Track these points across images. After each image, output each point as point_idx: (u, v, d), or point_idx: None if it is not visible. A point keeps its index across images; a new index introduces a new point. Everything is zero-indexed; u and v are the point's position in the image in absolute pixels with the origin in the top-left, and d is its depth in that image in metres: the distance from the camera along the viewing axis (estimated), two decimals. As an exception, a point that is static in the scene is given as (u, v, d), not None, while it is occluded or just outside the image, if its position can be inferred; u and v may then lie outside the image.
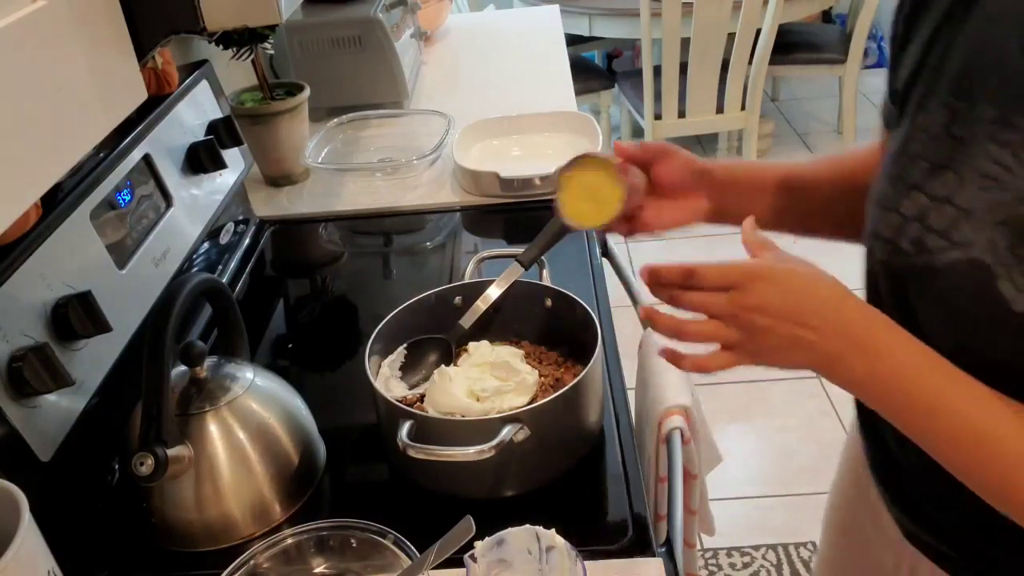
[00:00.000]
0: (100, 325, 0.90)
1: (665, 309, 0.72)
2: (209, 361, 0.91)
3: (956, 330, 0.66)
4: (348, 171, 1.61)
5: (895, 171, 0.72)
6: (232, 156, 1.32)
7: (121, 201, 1.03)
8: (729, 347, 0.68)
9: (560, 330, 1.03)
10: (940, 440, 0.65)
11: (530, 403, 0.92)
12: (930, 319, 0.68)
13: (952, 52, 0.68)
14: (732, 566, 2.04)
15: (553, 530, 0.73)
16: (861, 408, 0.86)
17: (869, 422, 0.84)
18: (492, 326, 1.04)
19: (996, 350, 0.64)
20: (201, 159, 1.22)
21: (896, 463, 0.80)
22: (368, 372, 0.93)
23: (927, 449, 0.66)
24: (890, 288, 0.73)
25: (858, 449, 0.91)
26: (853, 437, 0.96)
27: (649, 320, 0.72)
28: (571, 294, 1.01)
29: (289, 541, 0.82)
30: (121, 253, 1.01)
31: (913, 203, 0.69)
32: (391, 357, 1.01)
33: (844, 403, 2.21)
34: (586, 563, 0.71)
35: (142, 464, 0.80)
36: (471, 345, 1.01)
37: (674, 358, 0.71)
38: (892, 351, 0.65)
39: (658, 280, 0.71)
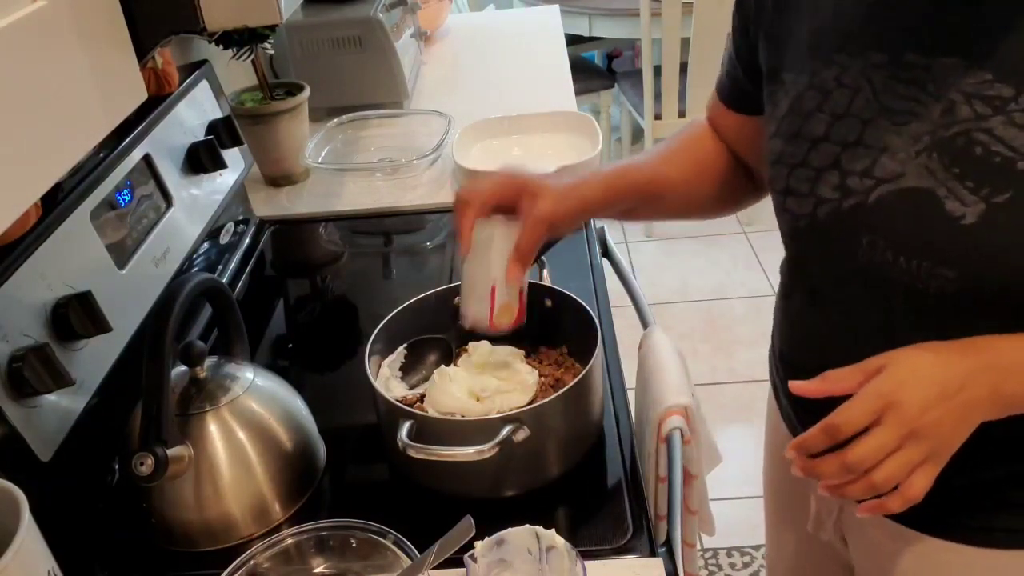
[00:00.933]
0: (100, 325, 0.90)
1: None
2: (209, 361, 0.91)
3: (910, 262, 0.69)
4: (348, 171, 1.61)
5: (791, 130, 0.77)
6: (232, 156, 1.32)
7: (121, 201, 1.03)
8: (921, 463, 0.65)
9: (560, 330, 1.03)
10: None
11: (530, 403, 0.92)
12: (876, 261, 0.71)
13: (818, 14, 0.74)
14: (732, 566, 2.04)
15: (553, 530, 0.73)
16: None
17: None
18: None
19: (952, 270, 0.66)
20: (201, 159, 1.22)
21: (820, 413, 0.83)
22: (368, 372, 0.93)
23: None
24: (823, 243, 0.76)
25: (779, 419, 0.98)
26: (772, 406, 1.03)
27: (829, 490, 0.69)
28: (571, 294, 1.01)
29: (289, 541, 0.82)
30: (121, 253, 1.01)
31: (821, 154, 0.74)
32: (391, 357, 1.01)
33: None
34: (586, 563, 0.71)
35: (142, 464, 0.80)
36: (471, 345, 1.01)
37: (881, 508, 0.68)
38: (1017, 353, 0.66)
39: (809, 453, 0.68)
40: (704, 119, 1.00)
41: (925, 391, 0.64)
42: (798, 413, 0.93)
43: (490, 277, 0.86)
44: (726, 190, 0.98)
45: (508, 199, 0.85)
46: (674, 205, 0.96)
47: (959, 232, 0.65)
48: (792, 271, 0.87)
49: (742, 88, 0.90)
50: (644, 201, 0.92)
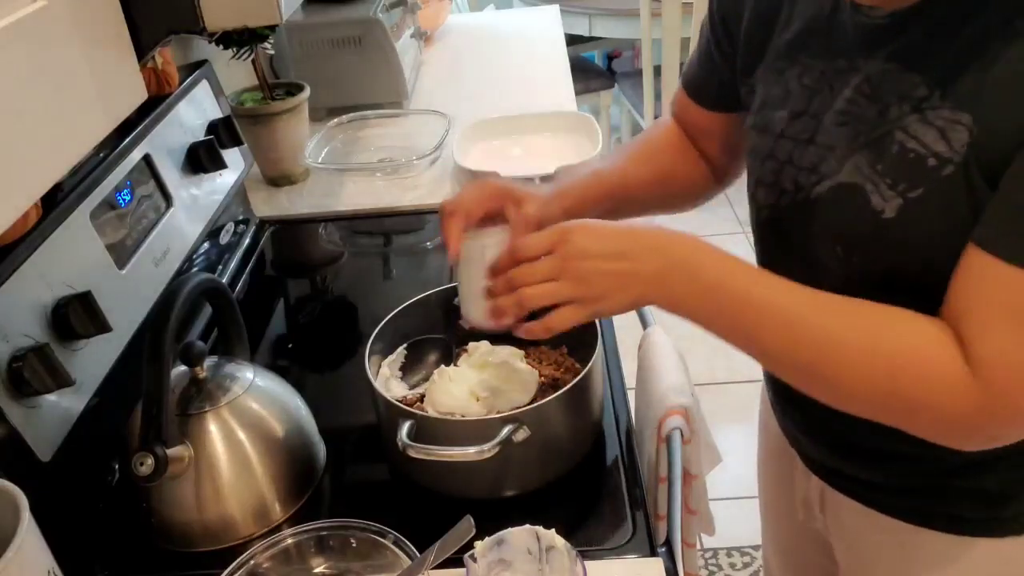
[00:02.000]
0: (100, 325, 0.90)
1: None
2: (209, 361, 0.91)
3: (845, 252, 0.73)
4: (348, 171, 1.61)
5: (760, 122, 0.82)
6: (232, 156, 1.32)
7: (121, 201, 1.03)
8: (568, 302, 0.73)
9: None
10: (754, 333, 0.71)
11: (530, 403, 0.92)
12: (818, 250, 0.76)
13: (791, 21, 0.79)
14: (732, 566, 2.04)
15: (553, 530, 0.73)
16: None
17: (777, 383, 0.92)
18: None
19: (878, 261, 0.71)
20: (201, 159, 1.22)
21: (793, 400, 0.88)
22: (368, 372, 0.93)
23: (744, 346, 0.72)
24: (780, 231, 0.81)
25: (769, 411, 1.01)
26: (764, 399, 1.07)
27: (493, 309, 0.77)
28: (571, 294, 1.01)
29: (289, 541, 0.82)
30: (121, 253, 1.01)
31: (782, 148, 0.79)
32: (391, 357, 1.01)
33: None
34: (586, 563, 0.71)
35: (142, 464, 0.80)
36: (471, 345, 1.01)
37: (528, 332, 0.76)
38: (707, 265, 0.72)
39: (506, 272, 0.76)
40: (669, 117, 1.04)
41: (595, 243, 0.72)
42: (779, 402, 0.95)
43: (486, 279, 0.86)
44: (689, 186, 1.03)
45: (493, 208, 0.88)
46: (649, 204, 1.01)
47: (881, 226, 0.69)
48: (759, 261, 0.90)
49: (720, 79, 0.92)
50: (621, 203, 0.96)
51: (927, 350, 0.65)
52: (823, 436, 0.89)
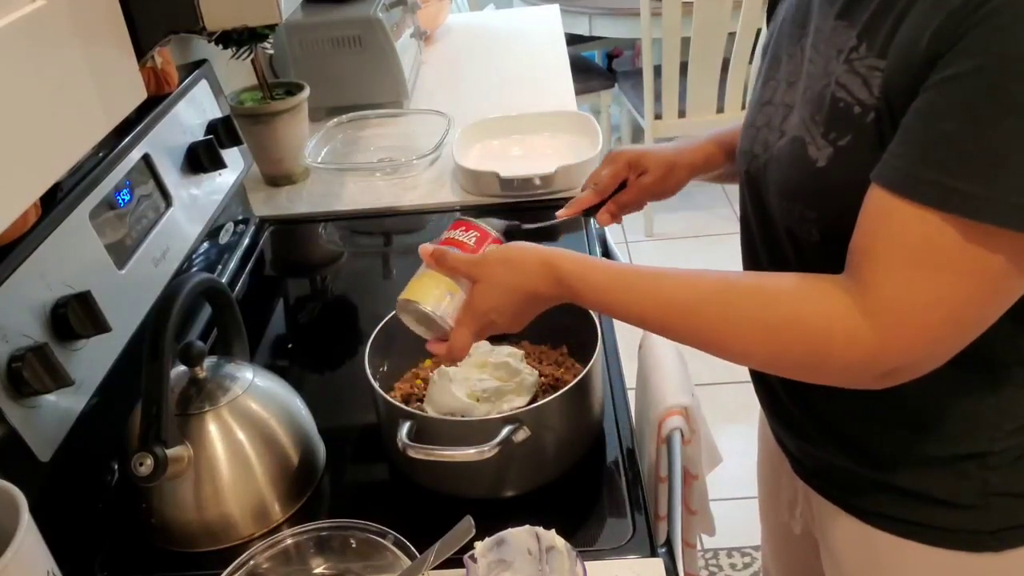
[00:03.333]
0: (100, 325, 0.90)
1: None
2: (209, 361, 0.91)
3: (787, 204, 0.76)
4: (348, 171, 1.61)
5: (753, 97, 0.86)
6: (232, 156, 1.32)
7: (120, 201, 1.03)
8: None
9: (560, 330, 1.02)
10: (656, 326, 0.75)
11: (530, 403, 0.91)
12: (772, 207, 0.79)
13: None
14: (732, 566, 2.04)
15: (553, 530, 0.73)
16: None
17: (757, 374, 0.94)
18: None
19: (817, 213, 0.73)
20: (200, 159, 1.22)
21: (781, 401, 0.89)
22: (368, 372, 0.93)
23: (637, 321, 0.75)
24: (753, 196, 0.84)
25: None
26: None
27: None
28: (571, 294, 1.01)
29: (289, 541, 0.82)
30: (121, 253, 1.01)
31: (762, 114, 0.83)
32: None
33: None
34: (586, 563, 0.71)
35: (141, 464, 0.80)
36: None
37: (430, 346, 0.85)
38: (586, 296, 0.77)
39: None
40: None
41: (496, 308, 0.80)
42: (763, 404, 0.96)
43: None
44: None
45: (621, 176, 1.03)
46: None
47: (815, 174, 0.72)
48: (742, 237, 0.92)
49: None
50: (725, 160, 1.03)
51: (813, 316, 0.66)
52: (798, 425, 0.90)
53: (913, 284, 0.62)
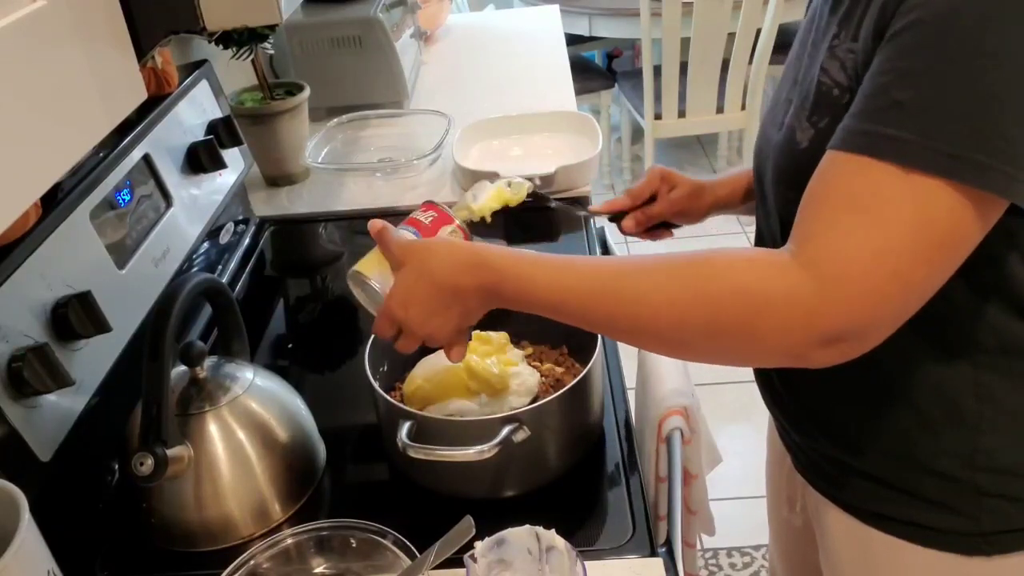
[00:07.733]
0: (100, 325, 0.90)
1: None
2: (209, 361, 0.91)
3: (778, 187, 0.78)
4: (348, 171, 1.61)
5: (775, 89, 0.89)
6: (232, 156, 1.32)
7: (121, 201, 1.03)
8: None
9: (560, 330, 1.02)
10: (578, 311, 0.72)
11: (530, 403, 0.92)
12: (772, 196, 0.81)
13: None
14: (732, 566, 2.04)
15: (553, 530, 0.73)
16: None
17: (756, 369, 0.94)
18: (493, 326, 1.04)
19: (794, 189, 0.71)
20: (201, 159, 1.22)
21: (777, 391, 0.90)
22: (368, 372, 0.93)
23: (582, 322, 0.73)
24: (759, 191, 0.85)
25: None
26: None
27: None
28: (571, 294, 1.01)
29: (289, 541, 0.82)
30: (121, 253, 1.01)
31: (771, 113, 0.84)
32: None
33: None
34: (586, 563, 0.71)
35: (142, 464, 0.80)
36: (473, 333, 1.01)
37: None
38: (506, 291, 0.74)
39: None
40: None
41: (416, 314, 0.76)
42: (764, 396, 0.96)
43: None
44: None
45: (654, 186, 1.07)
46: None
47: (798, 156, 0.74)
48: (755, 229, 0.93)
49: None
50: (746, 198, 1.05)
51: (753, 279, 0.64)
52: (791, 414, 0.90)
53: (854, 232, 0.61)
